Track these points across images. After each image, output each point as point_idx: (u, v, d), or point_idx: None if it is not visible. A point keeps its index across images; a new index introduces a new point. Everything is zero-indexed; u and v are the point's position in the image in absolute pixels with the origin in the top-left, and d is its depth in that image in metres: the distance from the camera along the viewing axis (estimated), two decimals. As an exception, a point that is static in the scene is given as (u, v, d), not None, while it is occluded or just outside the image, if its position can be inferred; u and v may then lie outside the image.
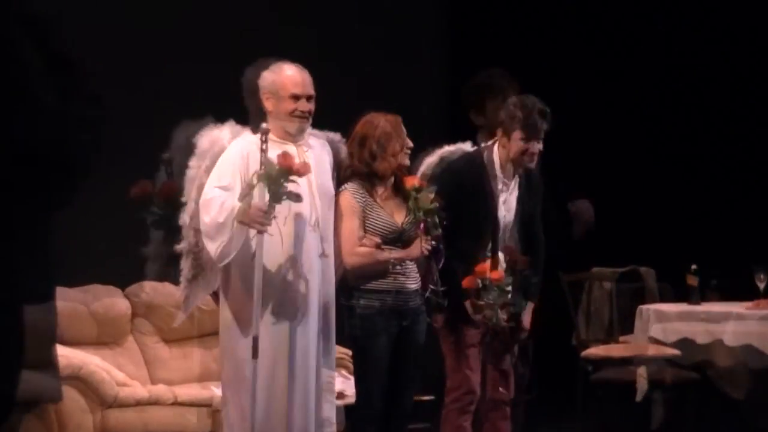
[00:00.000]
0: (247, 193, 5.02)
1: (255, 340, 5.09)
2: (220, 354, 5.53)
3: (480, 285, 5.65)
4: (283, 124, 5.27)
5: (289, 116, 5.25)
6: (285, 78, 5.23)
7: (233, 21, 8.40)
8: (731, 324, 6.94)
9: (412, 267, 5.63)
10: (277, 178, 4.99)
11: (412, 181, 5.51)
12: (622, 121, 9.34)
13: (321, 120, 5.49)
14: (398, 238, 5.59)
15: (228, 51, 7.81)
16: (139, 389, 6.58)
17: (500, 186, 5.83)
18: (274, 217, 5.06)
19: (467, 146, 6.04)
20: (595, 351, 7.41)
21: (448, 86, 9.07)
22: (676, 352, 7.13)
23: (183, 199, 5.30)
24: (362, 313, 5.54)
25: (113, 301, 6.92)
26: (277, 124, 5.26)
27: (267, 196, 5.00)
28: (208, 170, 5.19)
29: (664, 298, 7.94)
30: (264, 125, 5.13)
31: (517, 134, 5.77)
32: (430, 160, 5.97)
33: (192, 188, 5.24)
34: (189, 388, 6.75)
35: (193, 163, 5.27)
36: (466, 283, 5.64)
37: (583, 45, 9.38)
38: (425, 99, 9.08)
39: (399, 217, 5.61)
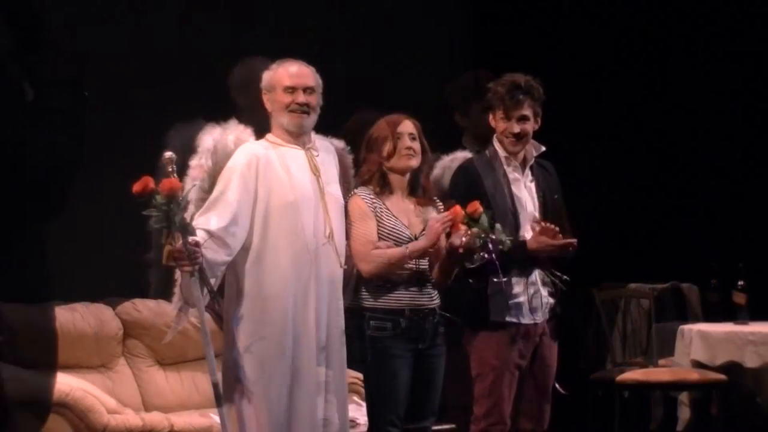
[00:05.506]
0: (168, 233, 4.87)
1: (216, 387, 5.08)
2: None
3: (466, 220, 5.40)
4: (281, 122, 5.17)
5: (285, 111, 5.15)
6: (280, 71, 5.18)
7: (233, 17, 8.29)
8: (783, 345, 6.87)
9: (428, 283, 5.35)
10: (163, 209, 4.80)
11: (472, 209, 5.26)
12: (658, 125, 9.11)
13: (326, 123, 5.39)
14: None
15: (228, 50, 7.69)
16: (131, 417, 6.35)
17: (511, 177, 5.65)
18: (196, 249, 4.83)
19: (465, 153, 5.92)
20: (633, 376, 7.27)
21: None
22: (722, 377, 7.06)
23: (181, 201, 5.13)
24: (373, 336, 5.28)
25: (103, 320, 6.72)
26: (278, 124, 5.18)
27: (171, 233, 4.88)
28: (210, 172, 5.08)
29: (708, 317, 7.87)
30: (168, 153, 4.92)
31: (498, 113, 5.65)
32: (435, 174, 5.82)
33: (193, 190, 5.08)
34: (187, 416, 6.55)
35: (194, 162, 5.13)
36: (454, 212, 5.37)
37: (609, 48, 9.18)
38: (433, 103, 8.89)
39: (413, 226, 5.37)
